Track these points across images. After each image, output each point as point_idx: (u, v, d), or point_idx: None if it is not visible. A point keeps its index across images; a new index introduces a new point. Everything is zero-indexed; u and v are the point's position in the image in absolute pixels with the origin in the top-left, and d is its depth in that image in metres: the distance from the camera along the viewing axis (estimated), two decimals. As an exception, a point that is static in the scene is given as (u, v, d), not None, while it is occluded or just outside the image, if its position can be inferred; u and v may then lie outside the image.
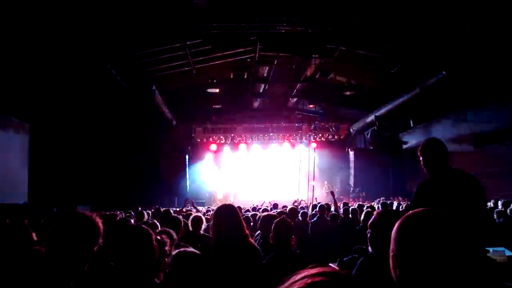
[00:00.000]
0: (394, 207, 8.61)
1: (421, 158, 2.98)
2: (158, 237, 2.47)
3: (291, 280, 0.70)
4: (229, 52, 12.46)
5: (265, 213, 4.57)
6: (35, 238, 4.75)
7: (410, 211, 1.24)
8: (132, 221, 5.32)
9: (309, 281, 0.67)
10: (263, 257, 3.15)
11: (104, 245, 2.91)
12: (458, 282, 1.09)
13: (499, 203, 6.77)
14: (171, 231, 3.28)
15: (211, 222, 2.88)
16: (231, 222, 2.75)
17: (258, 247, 2.87)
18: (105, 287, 2.08)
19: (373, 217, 2.47)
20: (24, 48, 9.07)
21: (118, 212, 7.79)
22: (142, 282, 1.86)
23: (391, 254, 1.20)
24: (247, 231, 2.86)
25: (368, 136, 20.21)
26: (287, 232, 2.91)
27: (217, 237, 2.73)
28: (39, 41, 8.91)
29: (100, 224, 1.77)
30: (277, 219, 3.06)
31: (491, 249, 3.21)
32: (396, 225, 1.21)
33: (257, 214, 5.98)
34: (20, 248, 3.63)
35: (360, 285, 0.67)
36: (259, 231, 4.90)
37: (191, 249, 2.47)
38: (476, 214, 2.68)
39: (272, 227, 2.98)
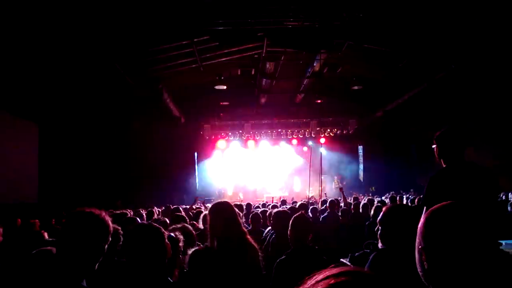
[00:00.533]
0: (404, 201, 8.55)
1: (434, 147, 2.87)
2: (172, 234, 2.46)
3: (312, 281, 0.69)
4: (236, 49, 12.44)
5: (277, 209, 4.56)
6: (46, 237, 4.81)
7: (436, 205, 1.23)
8: (139, 219, 5.34)
9: (333, 281, 0.66)
10: (277, 252, 3.14)
11: (115, 243, 2.93)
12: (484, 273, 1.11)
13: (510, 195, 6.68)
14: (190, 227, 3.29)
15: (207, 220, 2.81)
16: (226, 220, 2.67)
17: (256, 245, 2.75)
18: (118, 285, 2.09)
19: (382, 212, 2.45)
20: (32, 49, 9.14)
21: (128, 210, 7.84)
22: (155, 281, 1.86)
23: (418, 248, 1.20)
24: (243, 229, 2.78)
25: (378, 130, 20.08)
26: (306, 228, 2.90)
27: (213, 235, 2.66)
28: (46, 41, 8.98)
29: (109, 222, 1.78)
30: (296, 215, 3.04)
31: (503, 242, 3.17)
32: (422, 219, 1.21)
33: (267, 211, 5.98)
34: (32, 248, 3.68)
35: (384, 285, 0.66)
36: (269, 227, 4.90)
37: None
38: (490, 206, 2.63)
39: (290, 222, 2.96)
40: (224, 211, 2.72)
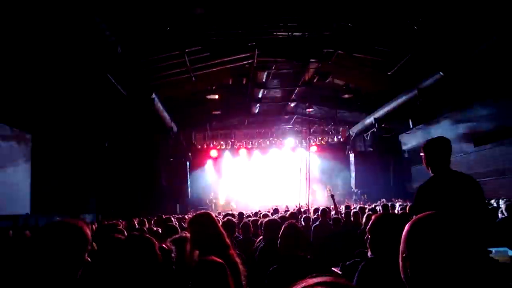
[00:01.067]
0: (397, 209, 8.63)
1: (422, 155, 2.97)
2: (164, 246, 2.43)
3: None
4: (228, 59, 12.54)
5: (267, 218, 4.57)
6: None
7: (420, 214, 1.27)
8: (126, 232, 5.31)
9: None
10: (265, 261, 3.14)
11: (97, 253, 2.87)
12: (466, 280, 1.14)
13: (501, 202, 6.78)
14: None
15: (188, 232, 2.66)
16: (208, 232, 2.54)
17: (238, 261, 2.56)
18: None
19: (371, 221, 2.49)
20: (24, 58, 9.13)
21: (120, 221, 7.81)
22: None
23: (401, 255, 1.23)
24: (227, 242, 2.62)
25: (368, 138, 20.27)
26: (297, 237, 2.89)
27: (193, 249, 2.52)
28: (39, 51, 8.98)
29: (88, 231, 1.75)
30: (286, 224, 3.04)
31: (493, 250, 3.23)
32: (407, 227, 1.25)
33: (258, 220, 6.00)
34: (24, 260, 3.67)
35: None
36: (261, 237, 4.92)
37: (213, 257, 2.35)
38: (478, 215, 2.71)
39: (281, 231, 2.97)
40: (203, 224, 2.58)
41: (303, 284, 0.72)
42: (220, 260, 2.24)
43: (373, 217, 2.54)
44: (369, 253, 2.48)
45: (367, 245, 2.46)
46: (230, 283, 2.17)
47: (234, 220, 5.29)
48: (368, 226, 2.45)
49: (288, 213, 7.36)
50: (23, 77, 9.91)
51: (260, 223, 5.26)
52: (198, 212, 2.93)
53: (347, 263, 3.73)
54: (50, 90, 11.04)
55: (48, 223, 1.77)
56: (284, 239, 2.88)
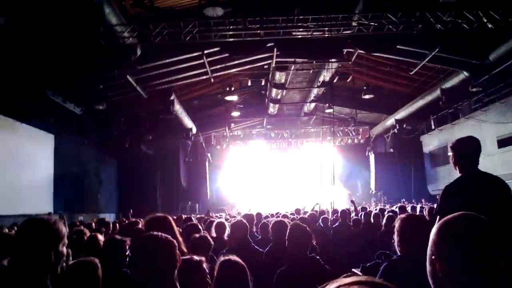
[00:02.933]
0: (418, 210, 8.45)
1: (450, 154, 2.90)
2: (196, 258, 2.33)
3: None
4: (246, 60, 12.56)
5: (275, 219, 4.55)
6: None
7: (450, 216, 1.24)
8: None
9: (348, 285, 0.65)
10: (273, 262, 3.11)
11: (121, 254, 2.84)
12: (498, 282, 1.12)
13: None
14: (208, 237, 3.26)
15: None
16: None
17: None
18: None
19: (399, 222, 2.45)
20: (49, 55, 9.31)
21: (140, 219, 7.88)
22: None
23: (430, 258, 1.21)
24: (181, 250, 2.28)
25: (389, 139, 19.95)
26: (303, 237, 2.86)
27: None
28: (62, 55, 9.19)
29: (60, 228, 1.73)
30: (292, 224, 3.02)
31: None
32: (436, 229, 1.23)
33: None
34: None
35: None
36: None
37: (235, 257, 2.33)
38: (505, 217, 2.62)
39: (287, 232, 2.95)
40: (158, 227, 2.28)
41: (338, 283, 0.69)
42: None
43: (402, 217, 2.50)
44: (397, 251, 2.45)
45: (397, 245, 2.43)
46: None
47: (249, 220, 5.29)
48: (397, 227, 2.42)
49: (308, 214, 7.30)
50: (44, 78, 10.16)
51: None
52: (155, 215, 2.77)
53: (368, 264, 3.67)
54: (71, 91, 11.28)
55: (26, 220, 1.76)
56: (290, 240, 2.84)
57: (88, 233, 6.22)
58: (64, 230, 1.75)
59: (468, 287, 1.13)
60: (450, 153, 2.90)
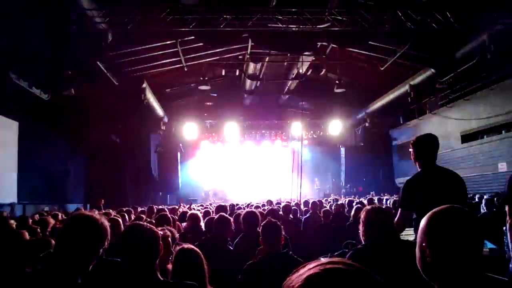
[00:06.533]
0: (384, 203, 8.76)
1: (411, 150, 3.07)
2: (161, 232, 2.49)
3: (303, 270, 0.77)
4: (221, 50, 12.48)
5: (246, 211, 4.61)
6: (27, 237, 4.75)
7: (438, 208, 1.41)
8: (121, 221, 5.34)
9: (322, 268, 0.75)
10: (240, 253, 3.16)
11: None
12: (476, 266, 1.32)
13: (484, 197, 6.95)
14: (173, 230, 3.36)
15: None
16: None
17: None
18: (110, 283, 2.13)
19: (364, 213, 2.58)
20: (14, 37, 8.91)
21: (110, 211, 7.79)
22: (146, 279, 1.91)
23: (421, 245, 1.37)
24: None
25: (359, 132, 20.42)
26: (276, 234, 2.91)
27: None
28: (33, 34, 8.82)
29: (106, 225, 1.84)
30: (265, 222, 3.03)
31: None
32: (426, 219, 1.39)
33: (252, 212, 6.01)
34: (13, 247, 3.65)
35: (364, 273, 0.76)
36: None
37: (189, 245, 2.52)
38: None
39: (260, 229, 2.99)
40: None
41: (316, 263, 0.77)
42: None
43: (366, 209, 2.63)
44: (362, 241, 2.58)
45: (361, 234, 2.56)
46: None
47: (223, 211, 5.34)
48: (362, 218, 2.55)
49: (282, 205, 7.41)
50: (8, 65, 9.75)
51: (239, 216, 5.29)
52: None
53: (336, 253, 3.81)
54: (36, 77, 10.86)
55: (73, 215, 1.91)
56: (264, 238, 2.89)
57: (52, 222, 6.10)
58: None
59: (453, 271, 1.30)
60: (410, 150, 3.06)
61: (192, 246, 2.50)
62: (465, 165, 12.78)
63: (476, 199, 7.37)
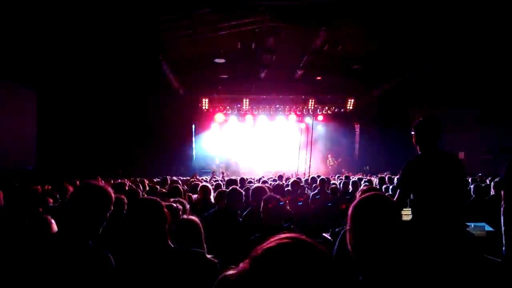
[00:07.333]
0: (395, 182, 8.75)
1: (413, 133, 3.09)
2: (174, 205, 2.87)
3: (266, 242, 0.92)
4: (236, 22, 12.31)
5: (255, 185, 4.74)
6: (51, 203, 5.00)
7: (364, 195, 1.51)
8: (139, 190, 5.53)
9: (278, 242, 0.90)
10: (250, 227, 3.26)
11: (120, 210, 3.22)
12: (392, 248, 1.41)
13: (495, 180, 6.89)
14: (184, 200, 3.56)
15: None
16: None
17: None
18: (121, 247, 2.32)
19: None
20: (34, 18, 9.06)
21: (126, 180, 8.05)
22: (157, 245, 2.13)
23: (347, 228, 1.48)
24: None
25: (375, 110, 20.13)
26: (276, 210, 2.98)
27: None
28: (46, 6, 8.90)
29: (112, 194, 2.07)
30: (265, 196, 3.13)
31: (472, 224, 3.38)
32: (352, 205, 1.51)
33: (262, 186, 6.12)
34: (37, 213, 3.87)
35: (314, 249, 0.88)
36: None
37: (190, 217, 2.70)
38: (459, 191, 2.83)
39: (261, 206, 3.08)
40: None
41: (276, 238, 0.92)
42: None
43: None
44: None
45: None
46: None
47: (233, 184, 5.46)
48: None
49: (291, 180, 7.51)
50: (30, 33, 9.88)
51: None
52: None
53: (336, 229, 3.90)
54: (56, 45, 11.01)
55: (81, 184, 2.12)
56: (264, 214, 2.98)
57: (71, 189, 6.35)
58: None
59: (371, 251, 1.38)
60: (412, 133, 3.07)
61: (193, 218, 2.71)
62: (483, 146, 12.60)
63: (488, 182, 7.32)
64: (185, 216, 2.74)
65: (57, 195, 5.62)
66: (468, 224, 2.94)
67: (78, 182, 8.03)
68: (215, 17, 11.25)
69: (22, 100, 12.84)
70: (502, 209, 2.69)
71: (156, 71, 14.14)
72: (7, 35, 9.59)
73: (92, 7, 9.23)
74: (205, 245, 2.62)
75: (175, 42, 13.35)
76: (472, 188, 6.03)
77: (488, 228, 3.52)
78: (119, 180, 8.14)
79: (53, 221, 2.67)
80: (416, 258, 2.55)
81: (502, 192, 2.66)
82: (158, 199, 2.32)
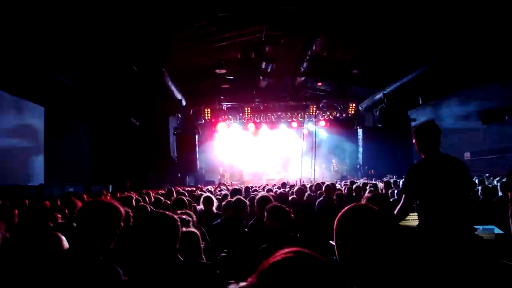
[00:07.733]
0: (400, 185, 8.75)
1: (414, 140, 3.08)
2: (184, 216, 2.82)
3: (271, 257, 0.97)
4: (236, 33, 12.46)
5: (260, 195, 4.77)
6: (60, 220, 5.05)
7: (348, 207, 1.48)
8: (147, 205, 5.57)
9: (283, 256, 0.95)
10: (255, 237, 3.28)
11: (126, 225, 3.20)
12: (379, 262, 1.37)
13: (502, 180, 6.87)
14: (191, 212, 3.57)
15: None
16: None
17: None
18: (132, 262, 2.31)
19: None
20: (41, 36, 9.19)
21: (132, 193, 8.09)
22: (167, 259, 2.10)
23: (334, 242, 1.46)
24: None
25: (377, 113, 20.14)
26: (283, 217, 2.99)
27: None
28: (54, 25, 9.04)
29: (121, 210, 2.07)
30: (268, 206, 3.11)
31: (481, 227, 3.36)
32: (337, 218, 1.47)
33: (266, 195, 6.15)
34: (47, 229, 3.92)
35: (318, 263, 0.92)
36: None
37: (191, 229, 2.75)
38: (464, 195, 2.83)
39: (266, 213, 3.06)
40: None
41: (281, 252, 0.97)
42: None
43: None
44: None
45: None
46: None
47: (238, 194, 5.50)
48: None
49: (296, 188, 7.53)
50: (38, 53, 10.04)
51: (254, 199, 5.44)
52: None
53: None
54: (60, 64, 11.16)
55: (89, 201, 2.15)
56: (269, 220, 2.98)
57: (80, 204, 6.39)
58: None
59: (354, 265, 1.36)
60: (413, 140, 3.07)
61: (192, 229, 2.71)
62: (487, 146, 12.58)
63: (495, 183, 7.30)
64: (184, 229, 2.74)
65: (66, 210, 5.66)
66: (476, 227, 2.91)
67: (85, 196, 8.09)
68: (215, 29, 11.39)
69: (29, 115, 12.99)
70: (510, 212, 2.68)
71: (158, 84, 14.25)
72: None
73: (96, 22, 9.37)
74: (203, 256, 2.62)
75: (177, 54, 13.50)
76: (479, 190, 6.00)
77: (497, 230, 3.50)
78: (125, 193, 8.19)
79: (63, 237, 2.71)
80: (422, 264, 2.56)
81: (509, 194, 2.65)
82: (174, 215, 2.27)
